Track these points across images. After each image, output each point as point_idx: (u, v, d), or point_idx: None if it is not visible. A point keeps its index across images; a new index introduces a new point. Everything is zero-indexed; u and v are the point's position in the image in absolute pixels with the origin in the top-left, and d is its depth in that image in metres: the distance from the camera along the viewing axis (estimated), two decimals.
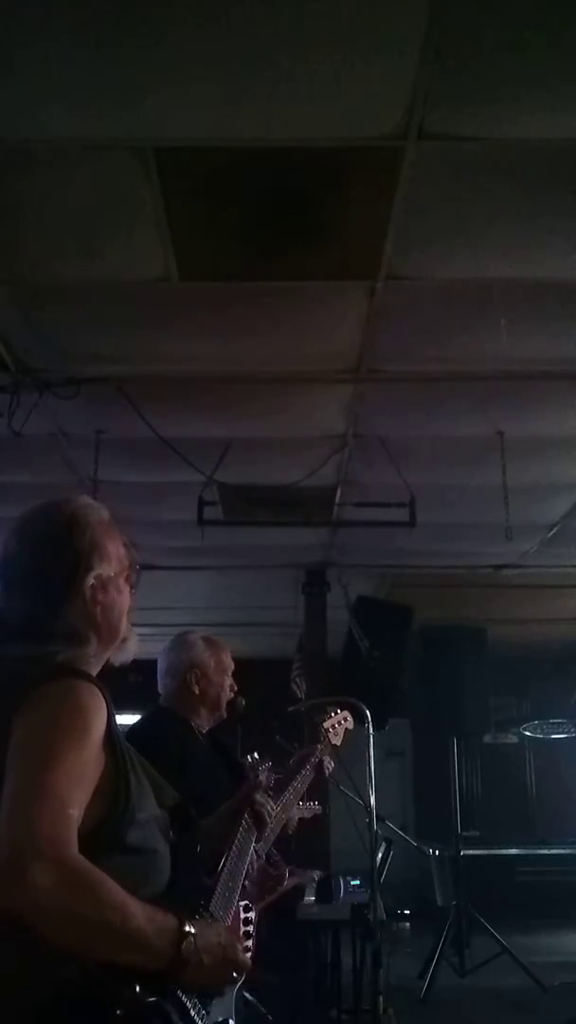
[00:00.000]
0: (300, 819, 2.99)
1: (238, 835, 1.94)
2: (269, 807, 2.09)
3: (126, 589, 1.66)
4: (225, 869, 1.80)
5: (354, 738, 3.31)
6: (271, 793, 2.26)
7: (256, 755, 2.27)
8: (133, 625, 1.71)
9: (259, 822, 2.05)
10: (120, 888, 1.31)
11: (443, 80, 2.44)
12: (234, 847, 1.90)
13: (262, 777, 2.20)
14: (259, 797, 2.08)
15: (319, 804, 3.29)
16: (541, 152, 2.74)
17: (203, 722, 3.07)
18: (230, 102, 2.54)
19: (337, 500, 5.62)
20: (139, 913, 1.32)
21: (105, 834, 1.40)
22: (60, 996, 1.32)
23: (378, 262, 3.27)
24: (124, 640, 1.66)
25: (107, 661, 1.65)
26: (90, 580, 1.58)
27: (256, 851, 2.21)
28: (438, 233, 3.13)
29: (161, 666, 3.09)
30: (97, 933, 1.29)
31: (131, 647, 1.69)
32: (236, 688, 3.15)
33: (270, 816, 2.08)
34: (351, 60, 2.39)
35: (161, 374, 4.13)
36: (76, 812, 1.33)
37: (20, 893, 1.23)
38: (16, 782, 1.32)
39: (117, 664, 1.67)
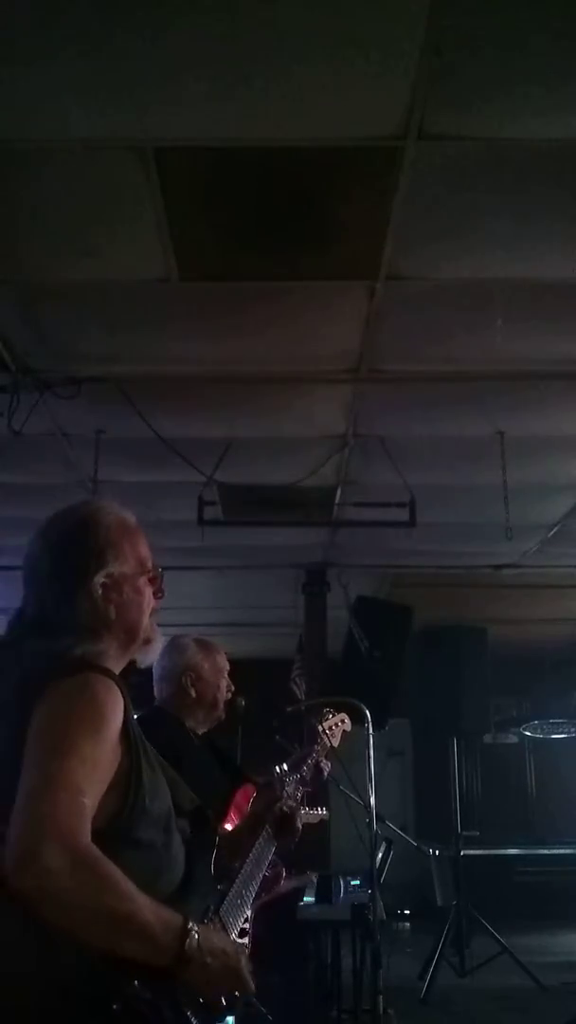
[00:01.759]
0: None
1: (257, 844, 1.94)
2: (299, 815, 2.09)
3: (147, 590, 1.67)
4: (240, 876, 1.80)
5: (354, 738, 3.31)
6: (303, 807, 2.26)
7: (285, 766, 2.27)
8: None
9: (288, 830, 2.05)
10: (128, 879, 1.33)
11: (443, 80, 2.44)
12: (251, 855, 1.89)
13: (289, 788, 2.20)
14: (290, 806, 2.08)
15: (325, 810, 3.29)
16: (541, 152, 2.74)
17: (200, 724, 3.07)
18: (230, 102, 2.54)
19: (337, 500, 5.62)
20: (145, 905, 1.34)
21: (118, 828, 1.42)
22: (59, 989, 1.34)
23: (378, 262, 3.27)
24: (148, 641, 1.68)
25: (131, 662, 1.67)
26: (100, 577, 1.60)
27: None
28: (438, 233, 3.13)
29: (156, 672, 3.08)
30: (103, 920, 1.31)
31: (156, 648, 1.72)
32: (233, 688, 3.15)
33: (299, 824, 2.09)
34: (351, 60, 2.39)
35: (161, 374, 4.13)
36: (90, 801, 1.35)
37: (31, 876, 1.26)
38: (32, 770, 1.34)
39: (142, 666, 1.70)
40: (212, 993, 1.42)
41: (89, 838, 1.31)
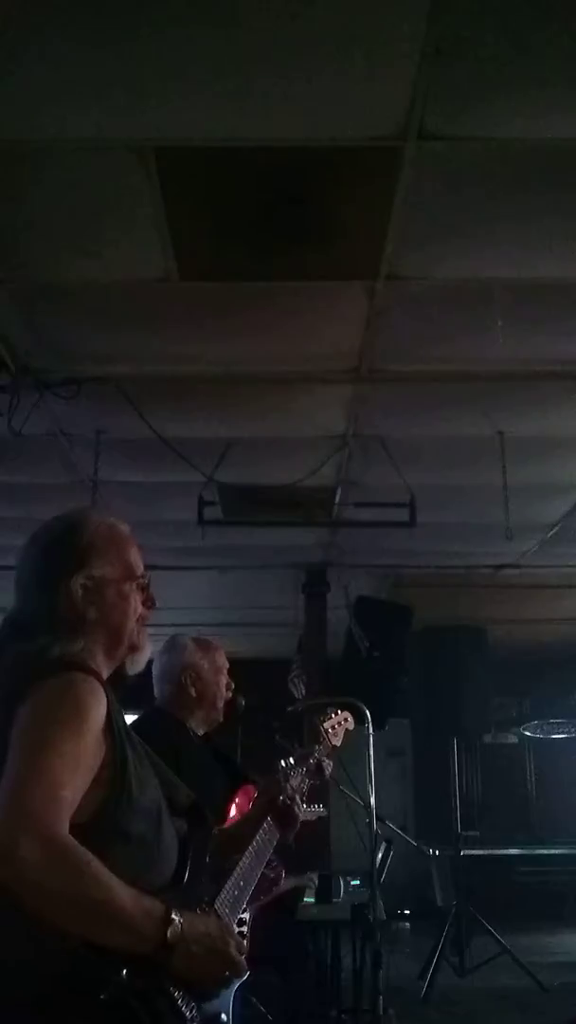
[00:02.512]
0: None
1: (257, 839, 1.93)
2: (299, 807, 2.09)
3: (134, 596, 1.69)
4: (237, 871, 1.80)
5: (354, 738, 3.30)
6: (304, 800, 2.26)
7: (292, 760, 2.27)
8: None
9: (288, 818, 2.05)
10: (107, 870, 1.35)
11: (443, 80, 2.43)
12: (251, 848, 1.89)
13: (294, 782, 2.20)
14: (289, 795, 2.08)
15: (323, 807, 3.28)
16: (541, 152, 2.74)
17: (200, 723, 3.07)
18: (230, 102, 2.54)
19: (337, 500, 5.62)
20: (125, 894, 1.35)
21: (106, 821, 1.44)
22: (46, 978, 1.35)
23: (378, 262, 3.27)
24: (135, 648, 1.70)
25: (121, 668, 1.69)
26: (80, 579, 1.62)
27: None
28: (438, 233, 3.13)
29: (155, 671, 3.08)
30: (82, 909, 1.33)
31: (144, 656, 1.73)
32: (233, 687, 3.15)
33: (299, 812, 2.08)
34: (351, 60, 2.39)
35: (161, 374, 4.13)
36: (69, 794, 1.37)
37: (7, 866, 1.28)
38: (12, 765, 1.37)
39: (131, 673, 1.72)
40: (201, 978, 1.43)
41: (67, 829, 1.33)
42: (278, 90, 2.49)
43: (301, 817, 2.11)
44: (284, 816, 2.04)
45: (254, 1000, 2.98)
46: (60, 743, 1.39)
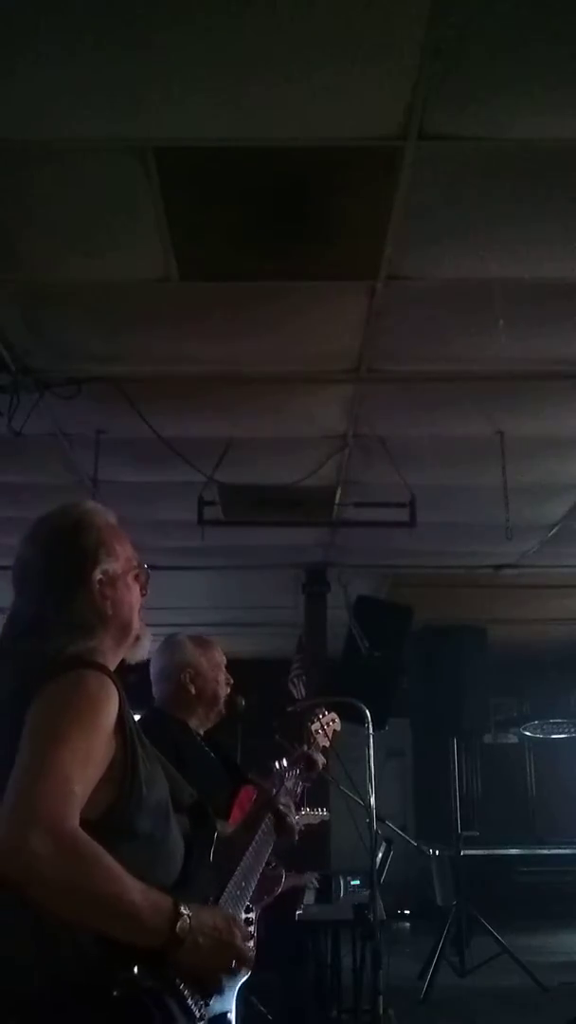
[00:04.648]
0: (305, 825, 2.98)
1: (256, 838, 1.95)
2: (292, 813, 2.09)
3: (135, 587, 1.72)
4: (239, 870, 1.81)
5: (354, 738, 3.30)
6: (298, 801, 2.26)
7: (285, 762, 2.27)
8: None
9: (284, 827, 2.06)
10: (117, 864, 1.35)
11: (443, 80, 2.44)
12: (251, 849, 1.91)
13: (288, 784, 2.20)
14: (283, 802, 2.08)
15: (325, 811, 3.29)
16: (541, 152, 2.74)
17: (201, 721, 3.07)
18: (230, 102, 2.54)
19: (337, 500, 5.62)
20: (135, 889, 1.36)
21: (115, 819, 1.44)
22: (57, 977, 1.36)
23: (378, 262, 3.27)
24: (138, 638, 1.72)
25: (123, 660, 1.71)
26: (97, 575, 1.64)
27: None
28: (438, 233, 3.13)
29: (153, 671, 3.09)
30: (91, 904, 1.33)
31: (145, 645, 1.76)
32: (232, 682, 3.15)
33: (294, 821, 2.09)
34: (351, 60, 2.39)
35: (161, 374, 4.13)
36: (79, 789, 1.37)
37: (17, 860, 1.29)
38: (23, 760, 1.37)
39: (133, 663, 1.74)
40: (209, 971, 1.44)
41: (76, 823, 1.34)
42: (278, 90, 2.49)
43: (297, 826, 2.11)
44: (280, 824, 2.05)
45: (254, 1000, 2.98)
46: (71, 738, 1.39)
